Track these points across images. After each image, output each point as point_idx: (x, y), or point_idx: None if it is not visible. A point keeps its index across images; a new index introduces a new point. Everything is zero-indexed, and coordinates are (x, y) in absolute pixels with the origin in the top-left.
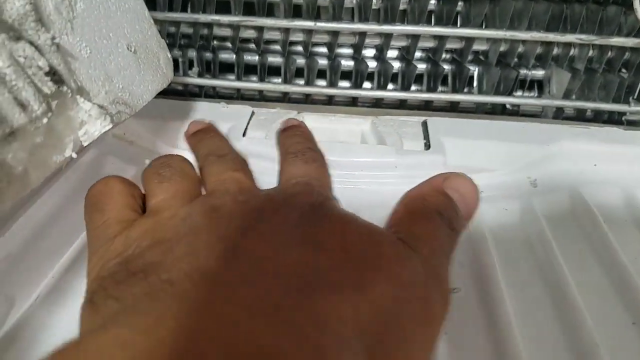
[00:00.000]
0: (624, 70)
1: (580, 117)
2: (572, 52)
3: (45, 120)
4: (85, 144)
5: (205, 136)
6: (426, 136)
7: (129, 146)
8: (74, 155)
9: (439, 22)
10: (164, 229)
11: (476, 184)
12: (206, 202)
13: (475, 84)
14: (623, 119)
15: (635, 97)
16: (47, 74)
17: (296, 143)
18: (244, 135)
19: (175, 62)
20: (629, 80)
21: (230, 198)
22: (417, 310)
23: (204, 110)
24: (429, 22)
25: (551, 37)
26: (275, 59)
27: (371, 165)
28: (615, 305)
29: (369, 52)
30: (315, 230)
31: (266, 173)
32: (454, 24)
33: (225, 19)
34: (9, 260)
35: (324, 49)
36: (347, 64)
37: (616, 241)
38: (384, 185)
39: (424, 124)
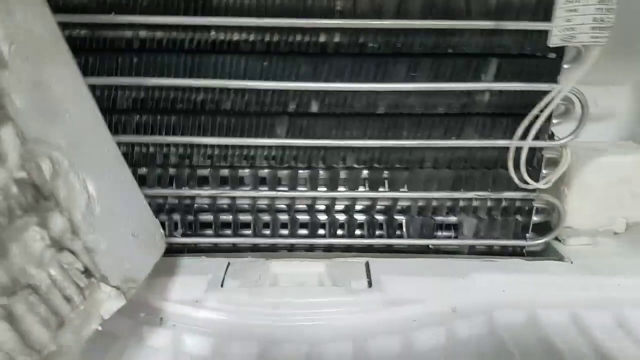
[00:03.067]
0: (518, 214)
1: (489, 251)
2: (475, 203)
3: (82, 307)
4: (106, 318)
5: None
6: (368, 275)
7: None
8: (100, 328)
9: (372, 186)
10: None
11: None
12: None
13: (404, 229)
14: (524, 250)
15: (529, 233)
16: (82, 272)
17: None
18: (222, 285)
19: (162, 224)
20: (523, 222)
21: None
22: None
23: (187, 265)
24: (363, 185)
25: (456, 195)
26: (245, 217)
27: (327, 304)
28: None
29: (321, 206)
30: None
31: (240, 316)
32: (383, 185)
33: (204, 192)
34: None
35: (285, 206)
36: (304, 217)
37: (520, 357)
38: (338, 321)
39: (367, 265)
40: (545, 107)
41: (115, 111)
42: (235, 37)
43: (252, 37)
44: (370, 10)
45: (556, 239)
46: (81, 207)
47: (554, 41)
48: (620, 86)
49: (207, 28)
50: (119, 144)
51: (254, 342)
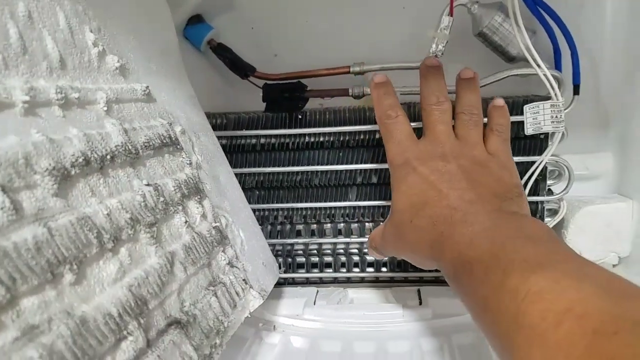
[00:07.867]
0: None
1: None
2: None
3: (243, 300)
4: (251, 311)
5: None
6: (419, 297)
7: None
8: (249, 316)
9: None
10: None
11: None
12: None
13: None
14: None
15: None
16: (243, 280)
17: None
18: (314, 304)
19: None
20: None
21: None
22: None
23: (289, 292)
24: None
25: None
26: (328, 258)
27: (389, 316)
28: None
29: None
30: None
31: (328, 325)
32: None
33: (300, 241)
34: None
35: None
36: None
37: None
38: (397, 327)
39: (418, 291)
40: (533, 172)
41: (245, 189)
42: (321, 138)
43: (331, 138)
44: (409, 116)
45: None
46: (238, 244)
47: (528, 131)
48: (604, 152)
49: (303, 134)
50: None
51: (337, 341)
